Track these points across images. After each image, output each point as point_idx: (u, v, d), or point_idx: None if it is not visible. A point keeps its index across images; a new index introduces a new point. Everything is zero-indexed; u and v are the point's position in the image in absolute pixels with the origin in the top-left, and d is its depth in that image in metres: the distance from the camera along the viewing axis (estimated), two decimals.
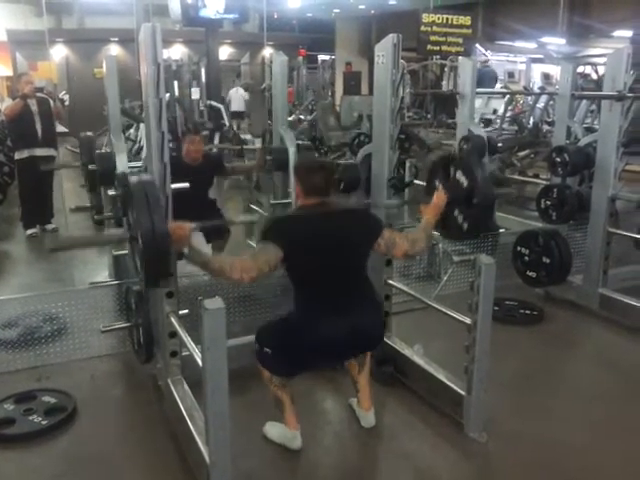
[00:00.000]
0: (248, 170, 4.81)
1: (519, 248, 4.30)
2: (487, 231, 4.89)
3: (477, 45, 11.87)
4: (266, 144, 4.42)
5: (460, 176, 2.66)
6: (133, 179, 2.33)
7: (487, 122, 9.34)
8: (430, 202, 2.72)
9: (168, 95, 8.22)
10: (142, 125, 7.32)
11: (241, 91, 11.85)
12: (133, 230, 2.31)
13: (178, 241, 2.26)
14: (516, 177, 7.35)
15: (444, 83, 10.92)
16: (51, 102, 5.95)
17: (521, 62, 15.33)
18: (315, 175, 2.49)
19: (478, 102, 8.97)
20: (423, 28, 9.65)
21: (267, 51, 12.46)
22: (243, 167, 4.84)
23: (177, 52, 13.46)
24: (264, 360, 2.53)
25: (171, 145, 2.57)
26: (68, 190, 6.15)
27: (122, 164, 3.57)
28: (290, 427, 2.59)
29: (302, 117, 9.77)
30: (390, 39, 2.95)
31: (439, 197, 2.70)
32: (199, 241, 4.39)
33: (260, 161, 4.53)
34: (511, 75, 14.17)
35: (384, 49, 2.99)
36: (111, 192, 3.47)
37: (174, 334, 2.72)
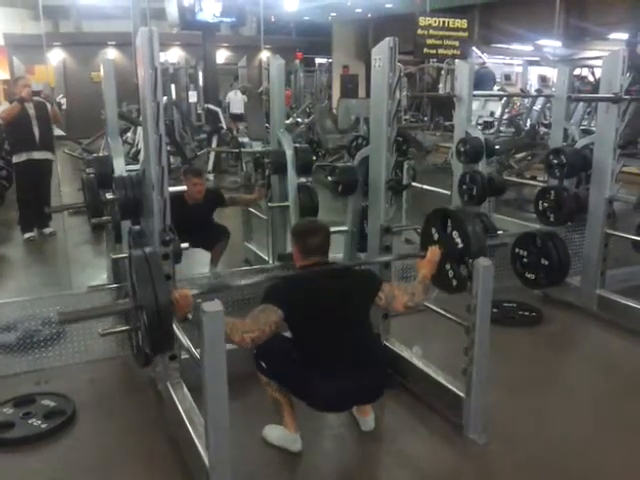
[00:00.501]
0: (247, 202, 4.88)
1: (517, 250, 4.31)
2: (485, 227, 4.89)
3: (474, 48, 11.90)
4: (266, 179, 4.48)
5: (456, 237, 2.69)
6: (135, 252, 2.32)
7: (486, 125, 9.36)
8: (424, 258, 2.74)
9: (165, 98, 8.24)
10: (139, 128, 7.33)
11: (239, 94, 11.87)
12: (137, 301, 2.27)
13: (181, 308, 2.22)
14: (513, 179, 7.36)
15: (441, 86, 10.96)
16: (48, 106, 5.95)
17: (518, 65, 15.39)
18: (313, 237, 2.59)
19: (475, 104, 8.99)
20: (420, 31, 9.66)
21: (264, 54, 12.47)
22: (243, 199, 4.91)
23: (174, 55, 13.50)
24: (261, 370, 2.57)
25: (169, 148, 2.56)
26: (66, 193, 6.14)
27: (119, 167, 3.57)
28: (290, 429, 2.59)
29: (299, 120, 9.79)
30: (387, 42, 2.96)
31: (433, 253, 2.73)
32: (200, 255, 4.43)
33: (259, 195, 4.62)
34: (508, 78, 14.22)
35: (381, 52, 3.00)
36: (109, 195, 3.47)
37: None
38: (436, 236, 2.78)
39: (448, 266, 2.74)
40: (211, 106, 10.06)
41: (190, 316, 2.26)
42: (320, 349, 2.47)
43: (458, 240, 2.68)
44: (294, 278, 2.66)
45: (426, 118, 10.72)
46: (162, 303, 2.11)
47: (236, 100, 12.25)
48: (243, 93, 11.66)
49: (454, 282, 2.73)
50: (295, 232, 2.74)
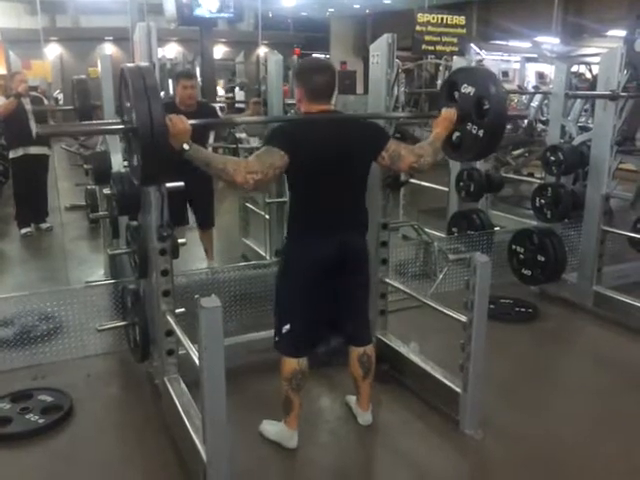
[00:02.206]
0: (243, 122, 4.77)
1: (514, 246, 4.33)
2: (482, 223, 4.88)
3: (472, 44, 11.89)
4: (262, 96, 4.36)
5: (466, 87, 2.62)
6: (128, 66, 2.17)
7: None
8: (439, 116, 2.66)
9: (163, 94, 8.20)
10: None
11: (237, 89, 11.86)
12: (128, 121, 2.15)
13: (177, 134, 2.13)
14: (511, 176, 7.37)
15: (439, 82, 10.93)
16: (45, 101, 5.93)
17: (515, 61, 15.35)
18: (320, 75, 2.39)
19: None
20: (418, 28, 9.66)
21: (262, 50, 12.44)
22: (238, 116, 4.79)
23: (172, 51, 13.42)
24: (286, 343, 2.51)
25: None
26: (63, 188, 6.13)
27: (117, 163, 3.56)
28: (290, 427, 2.59)
29: None
30: (385, 39, 2.96)
31: (449, 111, 2.64)
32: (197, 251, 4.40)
33: (254, 111, 4.48)
34: (505, 74, 14.19)
35: (379, 48, 3.00)
36: (106, 191, 3.46)
37: (170, 332, 2.72)
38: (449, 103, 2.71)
39: (469, 125, 2.63)
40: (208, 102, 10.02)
41: (186, 147, 2.16)
42: (315, 203, 2.42)
43: (469, 89, 2.59)
44: (300, 123, 2.53)
45: None
46: (157, 119, 1.98)
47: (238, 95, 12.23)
48: (241, 89, 11.62)
49: (480, 134, 2.60)
50: (300, 70, 2.53)
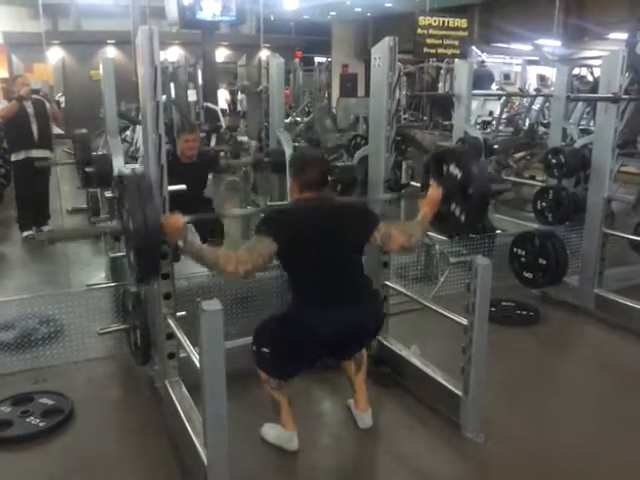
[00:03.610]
0: (243, 165, 4.85)
1: (515, 249, 4.32)
2: (483, 227, 4.91)
3: (473, 47, 11.90)
4: (262, 143, 4.44)
5: (453, 169, 2.66)
6: (126, 172, 2.33)
7: (484, 124, 9.35)
8: (426, 196, 2.72)
9: (165, 97, 8.22)
10: (139, 127, 7.31)
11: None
12: (126, 223, 2.29)
13: (172, 233, 2.26)
14: (512, 179, 7.36)
15: (440, 85, 10.94)
16: (47, 104, 5.95)
17: (517, 64, 15.38)
18: (311, 169, 2.49)
19: (474, 104, 8.98)
20: (419, 31, 9.64)
21: (264, 53, 12.46)
22: (238, 163, 4.87)
23: (174, 54, 13.45)
24: (262, 362, 2.53)
25: (168, 147, 2.57)
26: (64, 192, 6.14)
27: (119, 166, 3.57)
28: (287, 428, 2.59)
29: (299, 119, 9.77)
30: (386, 42, 2.96)
31: (434, 190, 2.70)
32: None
33: (254, 158, 4.54)
34: (507, 77, 14.21)
35: (380, 52, 3.00)
36: (108, 194, 3.47)
37: (171, 336, 2.72)
38: (435, 181, 2.76)
39: (453, 206, 2.68)
40: (210, 105, 10.04)
41: (181, 244, 2.27)
42: (313, 286, 2.45)
43: (456, 171, 2.63)
44: (288, 211, 2.62)
45: (425, 117, 10.70)
46: (151, 222, 2.11)
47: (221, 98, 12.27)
48: (242, 92, 11.63)
49: (462, 218, 2.66)
50: (292, 163, 2.65)
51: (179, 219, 2.28)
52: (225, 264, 2.28)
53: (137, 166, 4.05)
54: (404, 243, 2.57)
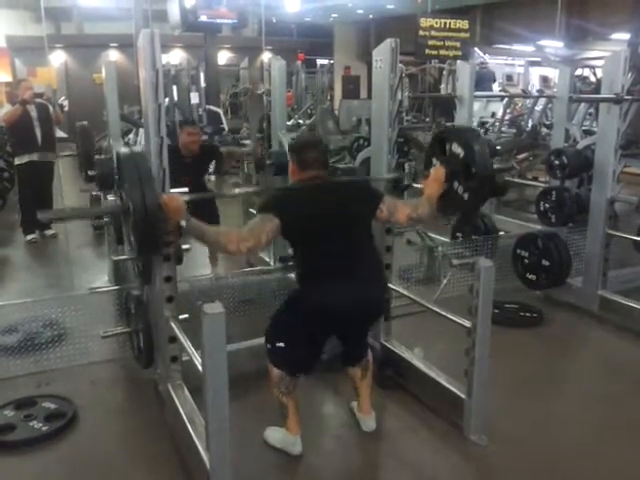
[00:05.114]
0: (244, 154, 4.87)
1: (518, 251, 4.31)
2: (486, 228, 4.90)
3: (475, 49, 11.90)
4: (264, 133, 4.46)
5: (456, 148, 2.65)
6: (124, 151, 2.32)
7: (483, 125, 9.33)
8: (429, 175, 2.71)
9: (167, 100, 8.24)
10: (141, 130, 7.33)
11: None
12: (125, 203, 2.29)
13: (173, 213, 2.27)
14: (515, 180, 7.35)
15: (442, 87, 10.93)
16: (50, 108, 5.96)
17: (519, 65, 15.36)
18: (311, 150, 2.52)
19: (477, 105, 8.97)
20: (421, 32, 9.64)
21: (266, 56, 12.48)
22: (239, 151, 4.90)
23: (176, 57, 13.48)
24: (278, 358, 2.51)
25: (169, 142, 2.58)
26: (68, 195, 6.15)
27: None
28: (291, 432, 2.58)
29: (301, 121, 9.78)
30: (388, 43, 2.96)
31: (438, 170, 2.70)
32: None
33: (256, 150, 4.56)
34: (509, 78, 14.19)
35: (382, 53, 3.00)
36: (111, 197, 3.47)
37: (174, 339, 2.71)
38: (437, 161, 2.76)
39: (456, 184, 2.67)
40: (212, 107, 10.07)
41: (183, 223, 2.27)
42: (319, 263, 2.43)
43: (459, 150, 2.63)
44: (291, 188, 2.62)
45: (427, 119, 10.69)
46: (150, 202, 2.13)
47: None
48: (245, 94, 11.66)
49: (465, 196, 2.65)
50: (292, 147, 2.68)
51: (179, 199, 2.29)
52: (227, 243, 2.29)
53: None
54: (410, 213, 2.57)
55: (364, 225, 2.56)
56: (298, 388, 2.61)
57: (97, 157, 4.16)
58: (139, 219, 2.15)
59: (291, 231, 2.40)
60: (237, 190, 3.06)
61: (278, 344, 2.49)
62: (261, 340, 2.64)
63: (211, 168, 5.73)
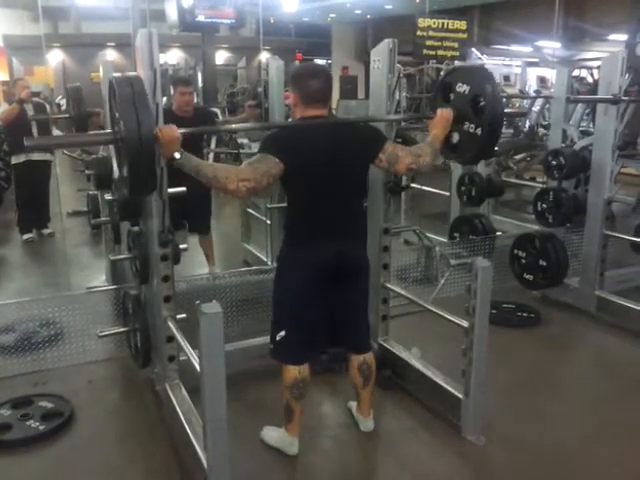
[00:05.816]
0: (239, 122, 4.79)
1: (516, 251, 4.32)
2: (484, 228, 4.87)
3: (473, 49, 11.91)
4: (259, 99, 4.41)
5: (460, 87, 2.59)
6: (117, 75, 2.18)
7: None
8: (435, 118, 2.62)
9: (165, 99, 8.22)
10: None
11: None
12: (118, 132, 2.16)
13: (167, 144, 2.14)
14: (512, 180, 7.37)
15: None
16: (47, 107, 5.95)
17: (517, 66, 15.37)
18: (315, 80, 2.35)
19: None
20: (419, 33, 9.65)
21: (263, 55, 12.46)
22: (236, 120, 4.82)
23: (174, 57, 13.48)
24: (283, 350, 2.48)
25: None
26: (65, 194, 6.13)
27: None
28: (290, 433, 2.58)
29: None
30: (386, 44, 2.96)
31: (445, 112, 2.60)
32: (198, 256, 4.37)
33: (250, 114, 4.51)
34: (507, 79, 14.19)
35: (380, 54, 3.00)
36: (108, 196, 3.47)
37: (171, 339, 2.71)
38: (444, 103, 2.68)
39: (467, 125, 2.60)
40: (210, 108, 10.05)
41: (178, 155, 2.15)
42: (311, 212, 2.38)
43: (464, 87, 2.56)
44: (294, 129, 2.49)
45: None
46: (144, 132, 2.00)
47: None
48: (242, 94, 11.64)
49: (479, 132, 2.56)
50: (295, 75, 2.47)
51: (174, 128, 2.17)
52: (226, 180, 2.15)
53: None
54: (411, 164, 2.44)
55: (363, 171, 2.48)
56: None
57: (94, 156, 4.15)
58: (133, 146, 2.00)
59: (291, 174, 2.29)
60: (236, 127, 2.95)
61: (279, 335, 2.47)
62: (259, 340, 2.66)
63: (213, 144, 5.68)
